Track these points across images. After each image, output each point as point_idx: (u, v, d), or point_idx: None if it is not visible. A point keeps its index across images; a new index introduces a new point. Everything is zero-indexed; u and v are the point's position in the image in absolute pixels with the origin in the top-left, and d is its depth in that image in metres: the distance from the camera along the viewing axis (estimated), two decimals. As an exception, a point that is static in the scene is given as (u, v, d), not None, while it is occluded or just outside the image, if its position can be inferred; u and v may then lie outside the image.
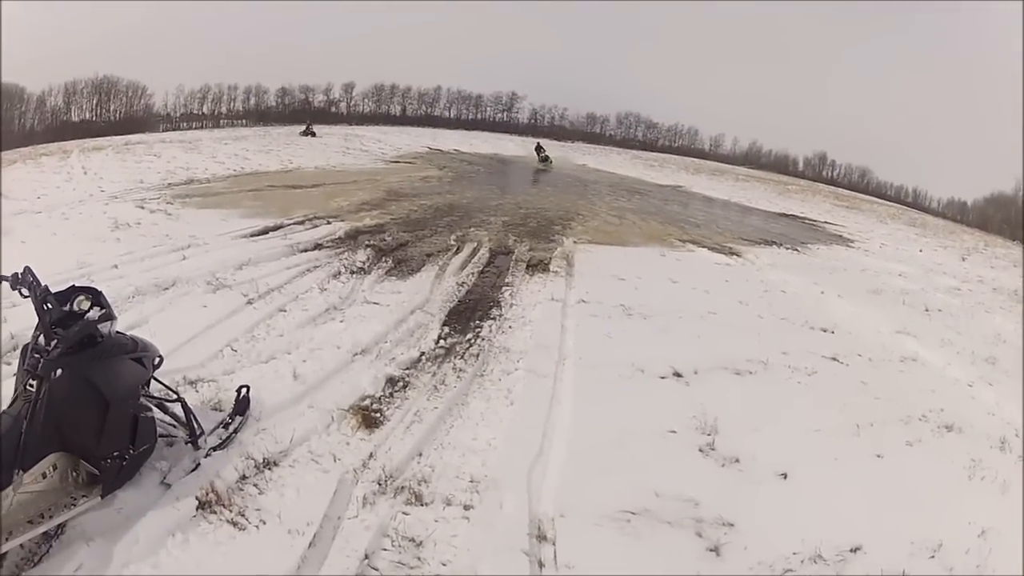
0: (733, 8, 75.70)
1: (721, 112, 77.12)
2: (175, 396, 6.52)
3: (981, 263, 25.20)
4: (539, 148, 44.44)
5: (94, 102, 60.03)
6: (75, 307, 5.63)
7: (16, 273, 5.59)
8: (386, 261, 13.66)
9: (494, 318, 10.62)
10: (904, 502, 6.36)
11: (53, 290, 5.62)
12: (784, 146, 73.88)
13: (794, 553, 5.53)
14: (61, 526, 5.24)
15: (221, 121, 64.68)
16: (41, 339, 5.42)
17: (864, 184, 71.23)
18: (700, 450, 6.93)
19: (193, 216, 16.79)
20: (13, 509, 4.78)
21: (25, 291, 5.55)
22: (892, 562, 5.50)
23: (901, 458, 7.23)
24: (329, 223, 16.93)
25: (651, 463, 6.63)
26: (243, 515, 5.60)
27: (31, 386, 5.28)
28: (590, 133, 75.63)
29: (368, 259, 13.66)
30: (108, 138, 43.18)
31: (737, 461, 6.75)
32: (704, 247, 18.45)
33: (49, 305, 5.46)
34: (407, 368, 8.57)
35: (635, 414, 7.52)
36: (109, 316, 5.72)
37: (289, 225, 16.21)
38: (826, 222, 30.59)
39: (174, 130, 57.88)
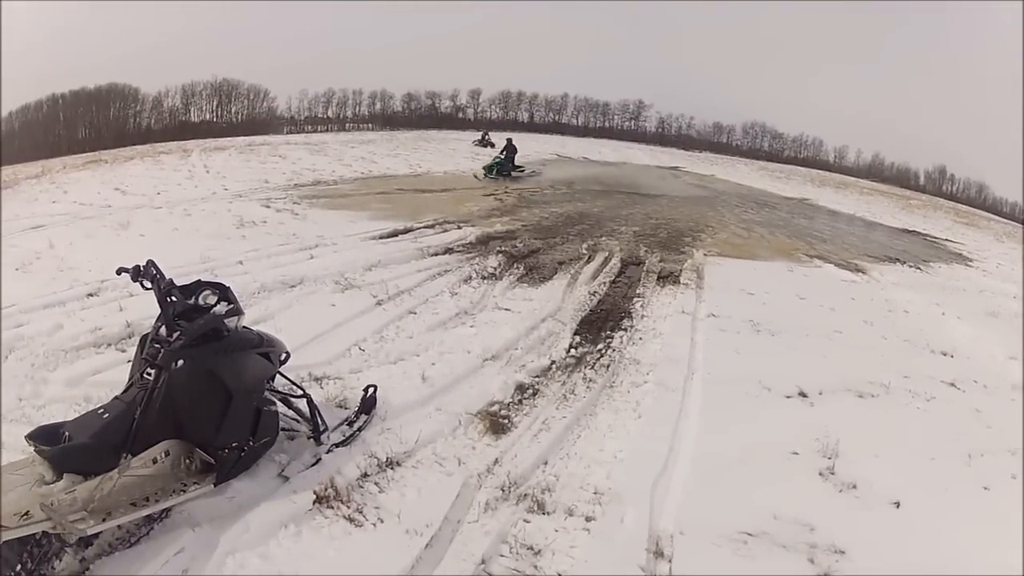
0: (858, 16, 73.76)
1: (845, 123, 75.37)
2: (300, 392, 6.64)
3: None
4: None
5: (214, 104, 61.13)
6: (200, 301, 5.80)
7: (138, 266, 5.73)
8: (518, 267, 13.61)
9: (625, 329, 10.42)
10: (1009, 537, 6.03)
11: (178, 284, 5.74)
12: (905, 159, 72.33)
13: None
14: (166, 510, 5.35)
15: (347, 125, 65.36)
16: (162, 330, 5.57)
17: (981, 199, 69.27)
18: (820, 474, 6.78)
19: (320, 217, 17.04)
20: (115, 491, 4.91)
21: (147, 283, 5.67)
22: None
23: (1007, 490, 6.89)
24: (460, 228, 16.97)
25: (773, 484, 6.51)
26: (361, 512, 5.65)
27: (148, 375, 5.42)
28: (716, 143, 73.75)
29: (500, 265, 13.61)
30: (230, 139, 44.21)
31: (854, 487, 6.57)
32: (831, 263, 18.00)
33: (173, 298, 5.58)
34: (537, 376, 8.51)
35: (760, 433, 7.38)
36: (236, 311, 5.91)
37: (419, 229, 16.30)
38: (947, 239, 29.59)
39: (298, 133, 58.73)
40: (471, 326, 10.12)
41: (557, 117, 73.31)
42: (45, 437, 5.03)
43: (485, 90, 70.72)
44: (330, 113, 66.76)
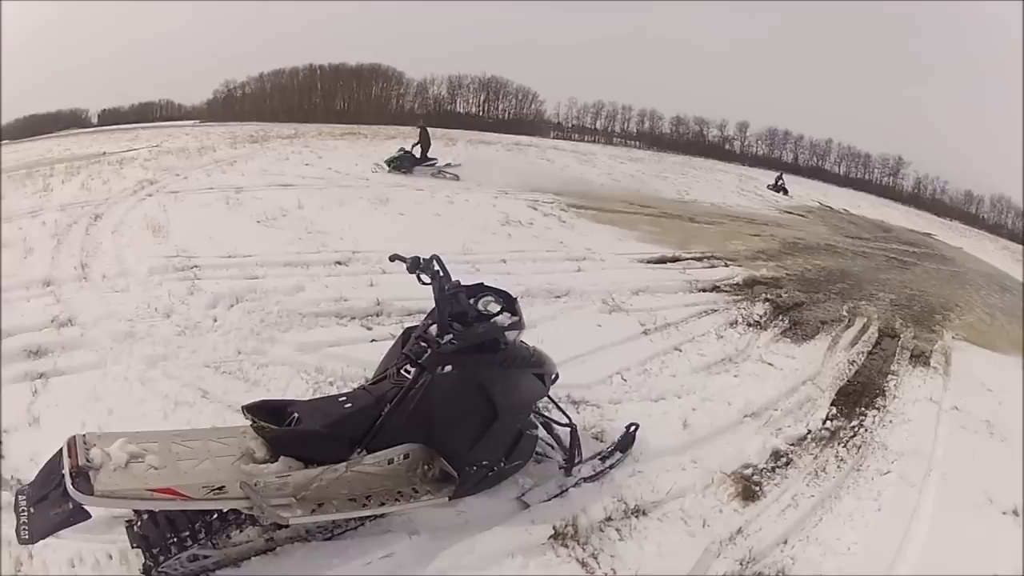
0: None
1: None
2: (567, 420, 6.59)
3: None
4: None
5: (481, 98, 62.99)
6: (481, 307, 5.71)
7: (418, 257, 5.62)
8: (782, 320, 13.53)
9: (878, 408, 10.21)
10: None
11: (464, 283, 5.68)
12: None
13: None
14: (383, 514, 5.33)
15: (614, 139, 66.19)
16: (432, 329, 5.49)
17: None
18: None
19: (588, 228, 17.61)
20: (335, 483, 4.87)
21: (426, 277, 5.57)
22: None
23: None
24: (727, 266, 17.25)
25: None
26: (595, 558, 5.60)
27: (407, 372, 5.42)
28: (966, 213, 71.85)
29: (765, 314, 13.55)
30: (496, 135, 45.58)
31: None
32: None
33: (455, 300, 5.48)
34: (792, 444, 8.39)
35: (974, 549, 7.08)
36: (519, 325, 5.80)
37: (687, 260, 16.62)
38: None
39: (564, 139, 59.94)
40: (735, 375, 10.07)
41: (820, 163, 74.03)
42: (267, 413, 5.02)
43: (753, 124, 71.72)
44: (598, 125, 67.86)
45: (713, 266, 16.67)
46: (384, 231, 14.26)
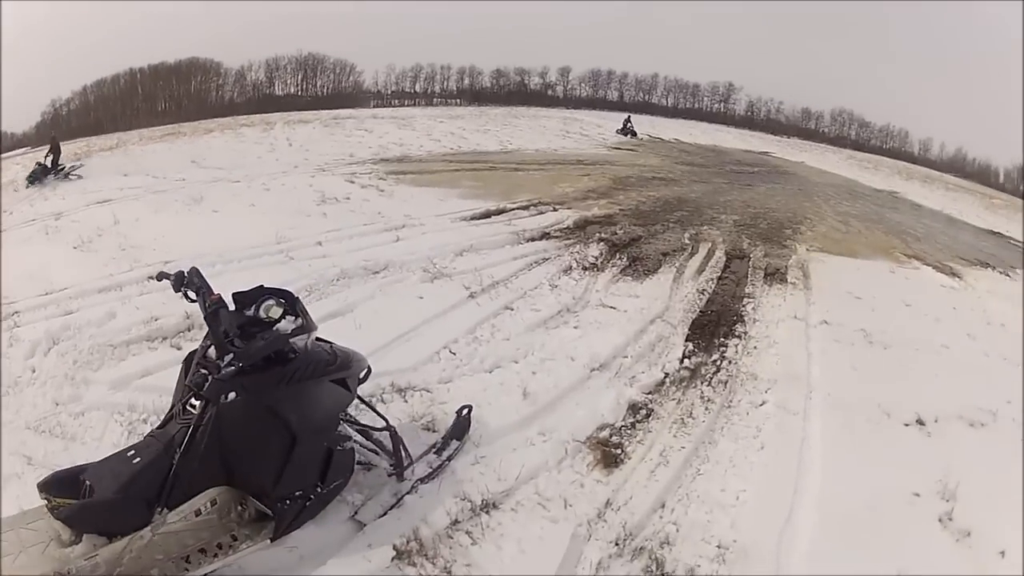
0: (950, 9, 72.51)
1: (930, 114, 74.35)
2: (384, 424, 5.74)
3: None
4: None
5: (299, 78, 62.82)
6: (262, 314, 4.78)
7: (181, 272, 4.84)
8: (620, 258, 12.92)
9: (739, 336, 9.76)
10: None
11: (238, 290, 4.85)
12: (987, 155, 71.39)
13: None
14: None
15: (434, 100, 66.45)
16: (211, 351, 4.63)
17: None
18: (939, 520, 6.18)
19: (407, 194, 16.73)
20: (147, 550, 4.21)
21: (192, 294, 4.80)
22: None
23: None
24: (555, 210, 16.49)
25: (896, 534, 5.91)
26: (449, 572, 4.94)
27: (193, 407, 4.65)
28: (804, 129, 73.58)
29: (601, 254, 12.93)
30: (315, 112, 44.95)
31: (968, 535, 6.01)
32: (928, 265, 17.46)
33: (226, 310, 4.67)
34: (650, 392, 7.70)
35: (883, 471, 6.73)
36: (306, 328, 4.90)
37: (513, 210, 15.88)
38: None
39: (385, 107, 59.73)
40: (575, 327, 9.39)
41: (647, 97, 73.97)
42: (61, 486, 4.36)
43: (575, 68, 71.58)
44: (417, 88, 67.76)
45: (541, 212, 16.08)
46: (198, 233, 13.23)
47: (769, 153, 41.63)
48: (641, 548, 5.30)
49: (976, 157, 71.56)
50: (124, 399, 6.99)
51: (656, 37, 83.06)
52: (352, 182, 17.61)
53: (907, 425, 7.78)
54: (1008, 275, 19.18)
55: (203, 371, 4.55)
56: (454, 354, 8.15)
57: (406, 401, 6.96)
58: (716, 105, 74.50)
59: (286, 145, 25.49)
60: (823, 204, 25.77)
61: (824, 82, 76.40)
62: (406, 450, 5.68)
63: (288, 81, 61.97)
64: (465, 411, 6.51)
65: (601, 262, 12.48)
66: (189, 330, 8.41)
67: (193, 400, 4.63)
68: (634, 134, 41.60)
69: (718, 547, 5.42)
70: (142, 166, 22.52)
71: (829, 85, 75.12)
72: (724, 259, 13.93)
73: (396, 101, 64.27)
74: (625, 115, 46.18)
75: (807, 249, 16.18)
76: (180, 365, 4.96)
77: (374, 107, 58.43)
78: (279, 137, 27.98)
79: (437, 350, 8.15)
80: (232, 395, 4.44)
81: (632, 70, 72.82)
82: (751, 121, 71.48)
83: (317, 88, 62.89)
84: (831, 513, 5.94)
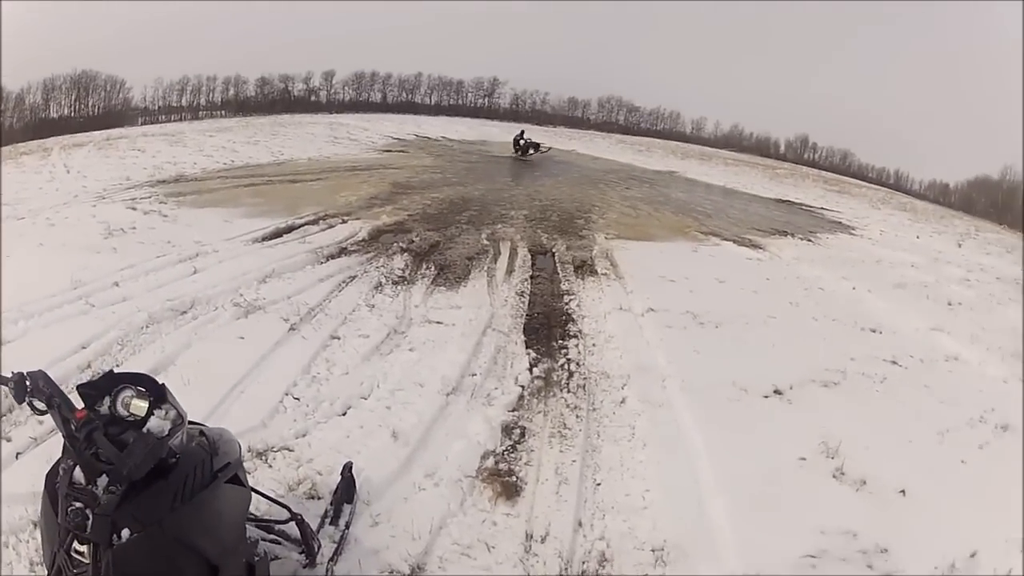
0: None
1: (702, 95, 77.29)
2: (289, 515, 4.56)
3: (977, 250, 24.95)
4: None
5: (72, 98, 60.37)
6: (121, 409, 3.30)
7: (21, 374, 3.27)
8: (427, 268, 12.70)
9: (574, 335, 9.68)
10: (994, 505, 6.24)
11: (82, 380, 3.47)
12: (765, 129, 74.54)
13: (935, 568, 5.37)
14: None
15: (200, 113, 65.18)
16: (78, 474, 3.18)
17: (846, 166, 72.10)
18: (834, 476, 6.52)
19: (192, 217, 15.76)
20: None
21: (39, 403, 3.23)
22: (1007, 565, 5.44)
23: (979, 462, 7.17)
24: (345, 222, 16.08)
25: (800, 497, 6.17)
26: None
27: (79, 554, 3.17)
28: (572, 117, 75.96)
29: (407, 266, 12.65)
30: (88, 134, 42.82)
31: (864, 483, 6.42)
32: (728, 240, 18.13)
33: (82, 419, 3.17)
34: (514, 409, 7.36)
35: (763, 443, 6.95)
36: (179, 419, 3.37)
37: (302, 225, 15.27)
38: (822, 208, 30.42)
39: (154, 123, 57.94)
40: (410, 349, 8.87)
41: (411, 96, 74.74)
42: None
43: (339, 72, 71.55)
44: (184, 101, 66.09)
45: (331, 226, 15.57)
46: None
47: (540, 144, 41.53)
48: (583, 573, 5.08)
49: (754, 132, 74.77)
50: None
51: (419, 40, 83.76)
52: (134, 208, 16.54)
53: (767, 397, 8.06)
54: (810, 240, 20.01)
55: (77, 504, 3.14)
56: (298, 399, 7.29)
57: (270, 466, 6.02)
58: (481, 100, 76.39)
59: (64, 172, 23.82)
60: (607, 190, 26.28)
61: (591, 71, 78.37)
62: (315, 536, 4.73)
63: (62, 102, 59.65)
64: (348, 471, 5.57)
65: (409, 274, 12.27)
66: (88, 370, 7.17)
67: (78, 546, 3.18)
68: (536, 148, 36.66)
69: (653, 551, 5.31)
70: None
71: (599, 74, 77.19)
72: (529, 257, 14.05)
73: (163, 116, 62.68)
74: (520, 129, 40.02)
75: (605, 237, 16.43)
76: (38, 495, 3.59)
77: (142, 124, 56.69)
78: (57, 164, 26.18)
79: (279, 399, 7.21)
80: (126, 532, 3.17)
81: (396, 71, 73.38)
82: (516, 113, 72.91)
83: (89, 108, 60.76)
84: (736, 493, 5.96)
